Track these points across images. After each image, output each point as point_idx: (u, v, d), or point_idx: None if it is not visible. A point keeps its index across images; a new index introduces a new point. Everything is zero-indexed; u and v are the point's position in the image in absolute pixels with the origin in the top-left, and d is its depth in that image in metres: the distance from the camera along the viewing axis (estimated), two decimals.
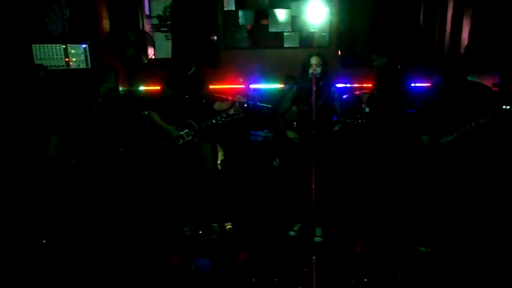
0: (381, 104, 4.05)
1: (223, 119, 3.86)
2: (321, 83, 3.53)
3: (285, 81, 4.86)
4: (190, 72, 3.83)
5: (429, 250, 3.39)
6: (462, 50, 5.44)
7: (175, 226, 3.89)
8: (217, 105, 3.99)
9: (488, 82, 4.31)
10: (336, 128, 3.38)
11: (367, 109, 3.28)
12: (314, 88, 3.45)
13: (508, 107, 2.90)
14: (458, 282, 3.01)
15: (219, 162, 4.80)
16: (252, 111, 3.95)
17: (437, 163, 3.35)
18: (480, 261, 3.21)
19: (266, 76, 5.93)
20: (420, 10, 6.19)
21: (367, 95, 4.51)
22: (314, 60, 3.50)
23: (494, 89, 4.27)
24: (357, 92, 5.21)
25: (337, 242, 3.62)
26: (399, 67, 4.31)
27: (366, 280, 3.08)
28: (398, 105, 4.04)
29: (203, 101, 3.96)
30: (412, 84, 4.65)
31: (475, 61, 4.76)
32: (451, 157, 3.29)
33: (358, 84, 5.86)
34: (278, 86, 5.91)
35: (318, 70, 3.47)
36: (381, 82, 4.27)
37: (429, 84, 3.91)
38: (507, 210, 3.73)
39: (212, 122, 3.87)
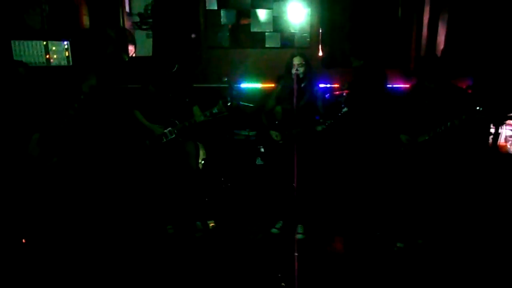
0: (358, 103, 4.18)
1: (207, 118, 3.88)
2: (303, 83, 3.60)
3: (277, 81, 4.93)
4: (173, 70, 3.83)
5: (405, 246, 3.51)
6: (438, 53, 5.63)
7: (158, 224, 3.89)
8: (196, 109, 3.98)
9: (462, 85, 4.50)
10: (319, 128, 3.46)
11: (345, 109, 3.37)
12: (296, 87, 3.52)
13: (481, 108, 3.06)
14: (433, 277, 3.14)
15: (200, 160, 4.81)
16: (235, 110, 3.98)
17: (414, 162, 3.48)
18: (456, 256, 3.36)
19: (248, 75, 5.97)
20: (398, 12, 6.36)
21: (344, 96, 4.64)
22: (296, 60, 3.56)
23: (468, 91, 4.46)
24: (337, 92, 5.32)
25: (318, 239, 3.71)
26: (374, 69, 4.46)
27: (346, 275, 3.17)
28: (374, 105, 4.18)
29: (186, 99, 3.96)
30: (389, 85, 4.81)
31: (450, 64, 4.94)
32: (427, 155, 3.42)
33: (338, 84, 5.98)
34: (259, 85, 5.97)
35: (301, 70, 3.54)
36: (358, 82, 4.41)
37: (406, 86, 4.05)
38: (481, 206, 3.90)
39: (195, 120, 3.88)
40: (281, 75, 3.85)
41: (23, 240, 3.53)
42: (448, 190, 3.59)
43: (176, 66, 3.85)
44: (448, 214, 3.75)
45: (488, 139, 4.22)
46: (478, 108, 3.04)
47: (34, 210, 3.58)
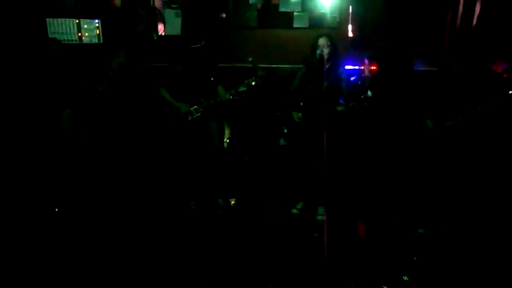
0: (383, 88, 4.08)
1: (232, 97, 3.92)
2: (328, 64, 3.56)
3: (303, 62, 4.89)
4: (200, 45, 3.85)
5: (427, 231, 3.47)
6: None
7: (182, 200, 4.01)
8: (220, 88, 4.02)
9: (498, 68, 4.30)
10: (339, 109, 3.43)
11: (369, 93, 3.32)
12: (321, 68, 3.49)
13: None
14: (454, 264, 3.11)
15: (226, 140, 4.88)
16: (260, 90, 3.99)
17: (441, 147, 3.40)
18: (478, 245, 3.30)
19: (275, 56, 5.93)
20: None
21: (369, 80, 4.54)
22: (322, 41, 3.52)
23: (504, 75, 4.26)
24: (365, 74, 5.21)
25: (338, 221, 3.72)
26: (398, 51, 4.31)
27: (363, 258, 3.19)
28: (398, 88, 4.07)
29: (211, 78, 4.01)
30: (419, 68, 4.66)
31: (485, 46, 4.73)
32: (455, 140, 3.33)
33: (367, 66, 5.85)
34: (286, 66, 5.91)
35: (326, 51, 3.50)
36: (382, 65, 4.29)
37: (435, 69, 3.92)
38: (508, 195, 3.78)
39: (221, 99, 3.93)
40: (307, 56, 3.81)
41: (56, 209, 3.74)
42: (476, 178, 3.50)
43: (203, 41, 3.87)
44: (474, 202, 3.66)
45: None
46: (511, 92, 2.92)
47: (65, 181, 3.76)
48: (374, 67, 4.71)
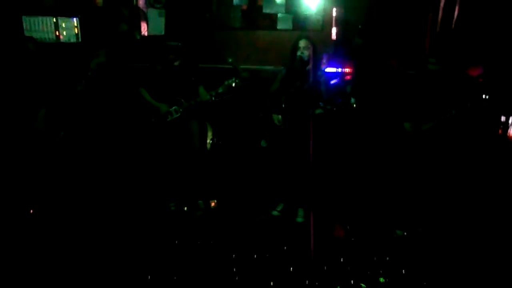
0: (359, 88, 4.12)
1: (212, 97, 3.91)
2: (308, 67, 3.56)
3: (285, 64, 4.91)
4: (174, 44, 3.82)
5: (405, 233, 3.51)
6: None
7: (160, 201, 3.97)
8: (201, 89, 4.00)
9: (474, 73, 4.38)
10: (317, 111, 3.44)
11: (352, 100, 3.35)
12: (301, 71, 3.50)
13: (487, 97, 2.99)
14: (432, 265, 3.14)
15: (208, 141, 4.85)
16: (241, 92, 3.99)
17: (419, 150, 3.44)
18: (456, 245, 3.34)
19: (258, 57, 5.93)
20: None
21: (349, 86, 4.56)
22: (302, 43, 3.53)
23: (479, 80, 4.34)
24: (348, 77, 5.25)
25: (317, 223, 3.73)
26: (375, 49, 4.34)
27: (342, 260, 3.20)
28: (375, 88, 4.10)
29: (192, 79, 3.98)
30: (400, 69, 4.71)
31: (463, 50, 4.81)
32: (431, 143, 3.38)
33: (350, 69, 5.89)
34: (269, 67, 5.92)
35: (306, 53, 3.50)
36: (358, 64, 4.33)
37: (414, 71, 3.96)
38: (484, 195, 3.85)
39: (201, 100, 3.91)
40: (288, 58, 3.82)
41: (31, 211, 3.66)
42: (452, 179, 3.55)
43: (179, 44, 3.84)
44: (451, 204, 3.71)
45: (497, 129, 4.13)
46: (484, 96, 2.98)
47: (41, 183, 3.69)
48: (349, 69, 4.75)
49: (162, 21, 6.56)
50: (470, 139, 3.70)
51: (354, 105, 3.43)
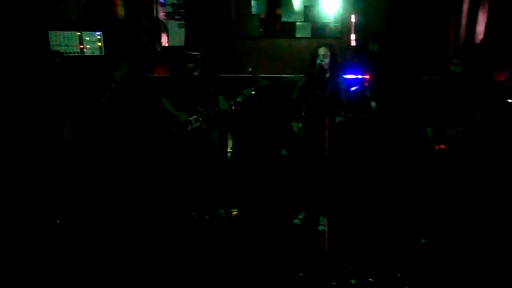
0: (379, 94, 4.07)
1: (232, 107, 3.93)
2: (328, 74, 3.55)
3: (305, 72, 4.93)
4: (194, 53, 3.86)
5: (430, 242, 3.42)
6: (477, 43, 5.36)
7: (183, 210, 4.00)
8: (221, 99, 4.03)
9: (501, 77, 4.27)
10: (337, 119, 3.41)
11: (373, 104, 3.31)
12: (321, 78, 3.48)
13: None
14: (458, 274, 3.05)
15: (229, 150, 4.87)
16: (261, 100, 4.00)
17: (442, 156, 3.37)
18: (482, 255, 3.24)
19: (277, 65, 5.96)
20: (436, 1, 6.09)
21: (369, 91, 4.51)
22: (321, 51, 3.52)
23: (506, 84, 4.23)
24: (367, 84, 5.20)
25: (340, 231, 3.68)
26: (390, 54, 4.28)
27: (366, 268, 3.14)
28: (393, 94, 4.04)
29: (212, 88, 4.02)
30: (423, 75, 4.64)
31: (489, 55, 4.70)
32: (456, 149, 3.30)
33: (368, 75, 5.85)
34: (289, 75, 5.93)
35: (325, 61, 3.49)
36: (374, 71, 4.28)
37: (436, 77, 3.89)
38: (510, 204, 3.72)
39: (220, 109, 3.94)
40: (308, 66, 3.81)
41: (58, 220, 3.74)
42: (479, 187, 3.45)
43: (199, 54, 3.88)
44: (478, 211, 3.61)
45: None
46: (509, 100, 2.89)
47: (68, 193, 3.77)
48: (369, 75, 4.70)
49: (182, 32, 6.70)
50: (497, 145, 3.60)
51: (374, 109, 3.38)
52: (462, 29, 5.78)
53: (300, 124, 3.68)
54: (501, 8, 4.92)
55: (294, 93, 3.83)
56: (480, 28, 5.29)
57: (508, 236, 3.43)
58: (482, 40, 5.27)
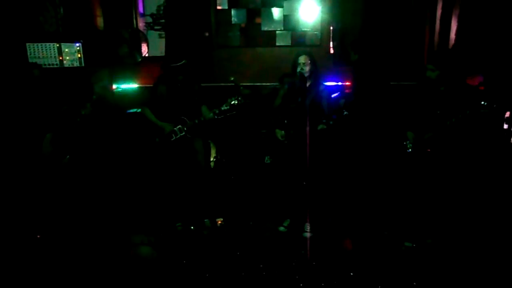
0: (357, 104, 4.15)
1: (215, 116, 3.94)
2: (309, 82, 3.60)
3: (280, 80, 4.97)
4: (180, 63, 3.86)
5: (414, 245, 3.48)
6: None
7: (167, 221, 3.97)
8: (204, 108, 4.04)
9: (474, 81, 4.42)
10: (320, 127, 3.46)
11: (345, 112, 3.38)
12: (302, 86, 3.54)
13: (485, 103, 3.02)
14: (442, 277, 3.11)
15: (212, 159, 4.87)
16: (243, 109, 4.03)
17: (422, 159, 3.45)
18: (466, 257, 3.31)
19: (258, 74, 6.00)
20: (411, 8, 6.26)
21: (343, 100, 4.59)
22: (301, 59, 3.57)
23: (480, 88, 4.38)
24: (347, 91, 5.29)
25: (325, 237, 3.72)
26: (371, 63, 4.38)
27: (352, 274, 3.17)
28: (372, 103, 4.13)
29: (195, 98, 4.03)
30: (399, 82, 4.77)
31: (462, 60, 4.86)
32: (434, 152, 3.39)
33: (349, 82, 5.96)
34: (270, 84, 5.98)
35: (306, 69, 3.55)
36: (356, 78, 4.38)
37: (415, 83, 4.01)
38: (490, 204, 3.83)
39: (204, 118, 3.95)
40: (285, 74, 3.87)
41: (38, 236, 3.65)
42: (458, 188, 3.54)
43: (184, 60, 3.89)
44: (458, 213, 3.70)
45: (499, 137, 4.14)
46: (482, 103, 3.00)
47: (47, 207, 3.70)
48: (348, 83, 4.80)
49: (162, 42, 6.68)
50: (472, 147, 3.71)
51: (347, 117, 3.45)
52: (436, 36, 5.95)
53: (283, 132, 3.72)
54: (472, 15, 5.11)
55: (276, 100, 3.87)
56: (453, 35, 5.46)
57: (488, 235, 3.53)
58: (455, 46, 5.45)
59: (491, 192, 3.89)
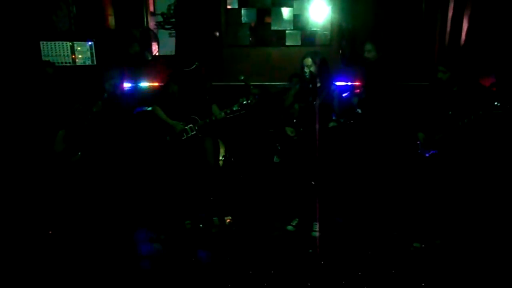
0: (370, 103, 4.13)
1: (226, 115, 3.96)
2: (318, 83, 3.61)
3: (289, 79, 4.98)
4: (192, 67, 3.89)
5: (423, 246, 3.47)
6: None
7: (176, 219, 4.00)
8: (215, 107, 4.06)
9: (486, 82, 4.38)
10: (331, 125, 3.46)
11: (359, 110, 3.37)
12: (312, 86, 3.54)
13: (498, 104, 2.99)
14: (450, 277, 3.10)
15: (221, 158, 4.90)
16: (254, 108, 4.04)
17: (432, 160, 3.44)
18: (475, 258, 3.29)
19: (268, 73, 6.02)
20: (421, 8, 6.23)
21: (356, 98, 4.56)
22: (307, 62, 3.58)
23: (492, 89, 4.33)
24: (358, 90, 5.27)
25: (333, 237, 3.72)
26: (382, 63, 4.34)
27: (360, 273, 3.17)
28: (385, 103, 4.10)
29: (207, 97, 4.05)
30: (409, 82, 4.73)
31: (473, 60, 4.82)
32: (445, 153, 3.37)
33: (359, 82, 5.95)
34: (280, 83, 5.99)
35: (312, 69, 3.56)
36: (368, 78, 4.35)
37: (426, 83, 3.98)
38: (501, 205, 3.79)
39: (216, 117, 3.97)
40: (293, 74, 3.87)
41: (50, 232, 3.71)
42: (469, 189, 3.52)
43: (196, 63, 3.92)
44: (469, 215, 3.67)
45: None
46: (496, 103, 2.97)
47: (59, 203, 3.75)
48: (358, 82, 4.76)
49: (172, 41, 6.73)
50: (485, 148, 3.67)
51: (360, 116, 3.44)
52: (447, 36, 5.91)
53: (293, 129, 3.73)
54: (483, 16, 5.06)
55: (287, 100, 3.88)
56: (464, 35, 5.41)
57: (498, 237, 3.50)
58: (466, 46, 5.40)
59: (502, 194, 3.85)
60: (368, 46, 4.36)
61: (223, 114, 3.95)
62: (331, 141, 3.60)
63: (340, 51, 6.49)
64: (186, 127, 3.96)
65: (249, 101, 3.91)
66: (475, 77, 3.86)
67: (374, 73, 4.29)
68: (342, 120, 3.37)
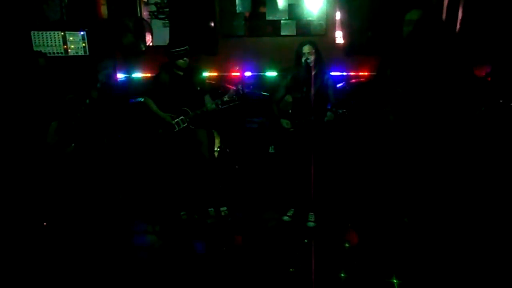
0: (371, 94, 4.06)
1: (218, 106, 3.91)
2: (314, 72, 3.57)
3: (284, 71, 4.94)
4: (183, 49, 3.80)
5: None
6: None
7: (172, 210, 3.99)
8: (207, 98, 4.02)
9: (481, 72, 4.36)
10: (328, 117, 3.43)
11: (352, 102, 3.35)
12: (307, 76, 3.51)
13: (501, 101, 2.97)
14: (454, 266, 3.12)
15: (216, 149, 4.87)
16: (247, 99, 4.00)
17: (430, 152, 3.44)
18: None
19: (263, 64, 5.97)
20: None
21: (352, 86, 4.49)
22: (306, 49, 3.53)
23: (487, 78, 4.32)
24: (353, 80, 5.25)
25: (329, 227, 3.73)
26: None
27: (355, 263, 3.19)
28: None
29: (198, 88, 3.99)
30: None
31: (468, 49, 4.80)
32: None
33: (355, 72, 5.92)
34: (274, 74, 5.96)
35: (311, 58, 3.52)
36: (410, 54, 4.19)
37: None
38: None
39: (207, 109, 3.92)
40: (285, 68, 3.81)
41: (44, 223, 3.70)
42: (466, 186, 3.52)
43: (186, 46, 3.82)
44: (465, 206, 3.69)
45: None
46: (500, 101, 2.95)
47: (53, 195, 3.73)
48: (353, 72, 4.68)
49: (166, 31, 6.65)
50: (488, 140, 3.64)
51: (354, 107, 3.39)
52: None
53: (288, 121, 3.70)
54: (479, 4, 5.02)
55: (278, 92, 3.84)
56: (459, 23, 5.38)
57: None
58: (461, 35, 5.36)
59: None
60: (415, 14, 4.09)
61: (214, 105, 3.89)
62: (326, 132, 3.58)
63: (337, 41, 6.45)
64: (177, 119, 3.89)
65: (240, 92, 3.84)
66: (470, 66, 3.83)
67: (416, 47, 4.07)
68: (340, 111, 3.32)
